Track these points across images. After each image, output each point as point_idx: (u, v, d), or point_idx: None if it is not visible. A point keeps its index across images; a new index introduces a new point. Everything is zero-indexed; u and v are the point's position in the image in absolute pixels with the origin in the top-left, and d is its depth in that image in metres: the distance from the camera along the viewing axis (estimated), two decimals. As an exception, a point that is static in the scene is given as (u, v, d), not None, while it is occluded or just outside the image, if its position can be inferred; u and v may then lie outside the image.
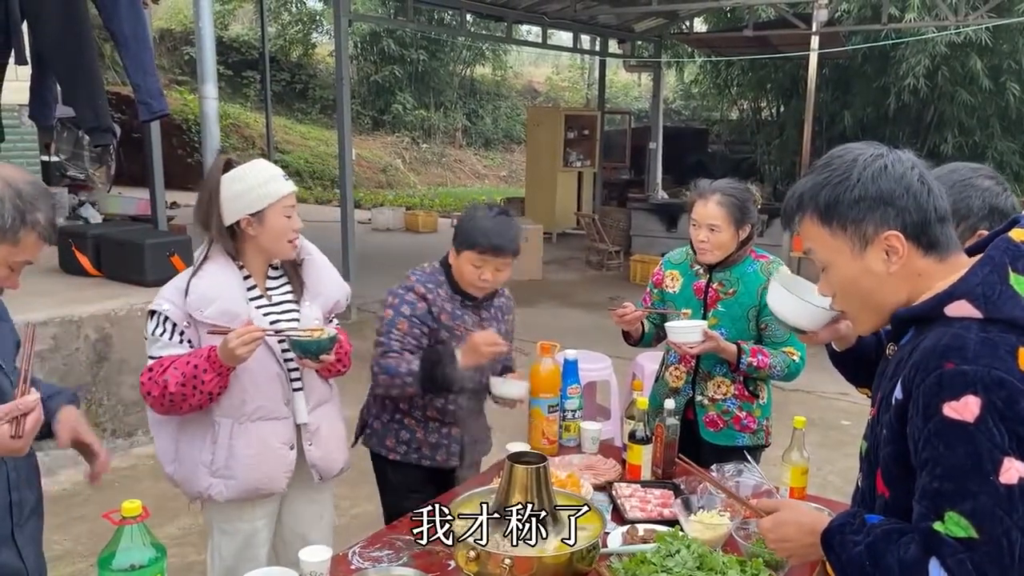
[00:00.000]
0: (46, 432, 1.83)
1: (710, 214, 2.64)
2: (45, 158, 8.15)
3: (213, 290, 2.16)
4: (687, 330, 2.57)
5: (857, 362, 1.81)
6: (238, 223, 2.18)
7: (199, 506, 2.42)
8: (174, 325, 2.17)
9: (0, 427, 1.45)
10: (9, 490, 1.67)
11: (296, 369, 2.31)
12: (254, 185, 2.16)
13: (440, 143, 22.52)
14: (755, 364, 2.61)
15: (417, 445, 2.62)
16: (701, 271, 2.78)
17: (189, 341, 2.18)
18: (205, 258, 2.21)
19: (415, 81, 21.96)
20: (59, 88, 4.22)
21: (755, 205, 2.73)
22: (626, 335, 2.87)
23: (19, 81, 4.75)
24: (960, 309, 1.25)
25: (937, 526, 1.19)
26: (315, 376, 2.37)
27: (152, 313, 2.19)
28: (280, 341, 2.24)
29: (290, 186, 2.22)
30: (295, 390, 2.31)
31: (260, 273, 2.29)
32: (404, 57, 21.34)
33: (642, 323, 2.85)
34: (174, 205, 12.14)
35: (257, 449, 2.25)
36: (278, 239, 2.21)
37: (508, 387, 2.55)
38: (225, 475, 2.24)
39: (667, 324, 2.67)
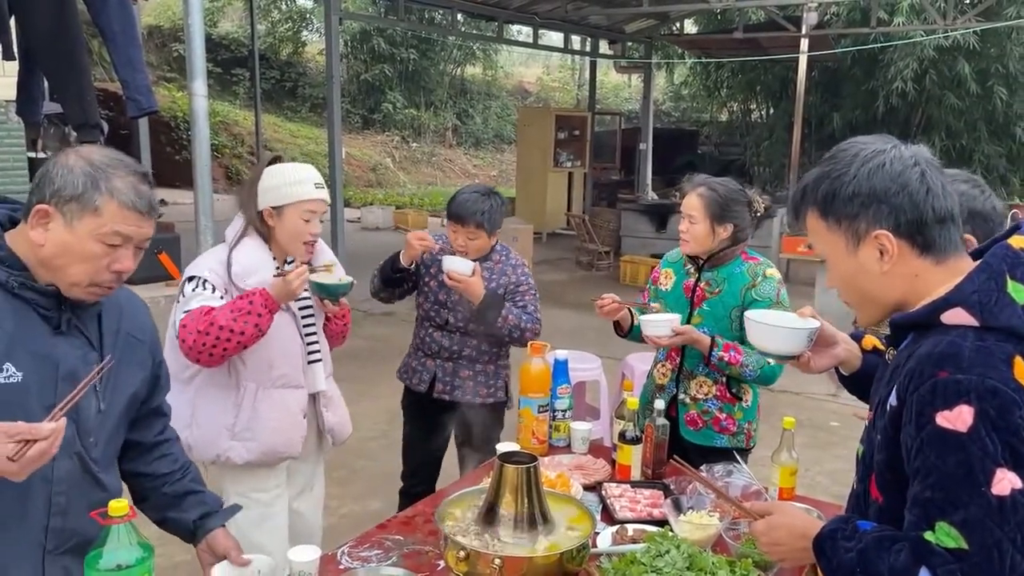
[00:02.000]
0: (187, 536, 1.85)
1: (690, 204, 2.68)
2: (32, 155, 8.09)
3: (253, 263, 2.41)
4: (657, 323, 2.59)
5: (867, 383, 1.79)
6: (263, 211, 2.42)
7: (205, 471, 2.50)
8: (214, 288, 2.36)
9: (4, 444, 1.35)
10: (49, 514, 1.57)
11: (314, 343, 2.57)
12: (283, 183, 2.40)
13: (430, 142, 22.48)
14: (726, 359, 2.60)
15: (406, 368, 3.19)
16: (691, 270, 2.79)
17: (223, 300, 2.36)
18: (243, 235, 2.43)
19: (405, 80, 21.91)
20: (47, 84, 4.19)
21: (751, 210, 2.71)
22: (616, 327, 2.89)
23: (6, 77, 4.71)
24: (956, 317, 1.24)
25: (928, 535, 1.18)
26: (326, 349, 2.65)
27: (191, 279, 2.37)
28: (304, 317, 2.53)
29: (316, 194, 2.42)
30: (311, 362, 2.56)
31: (280, 257, 2.51)
32: (394, 56, 21.29)
33: (631, 315, 2.86)
34: (162, 203, 12.07)
35: (280, 414, 2.45)
36: (293, 238, 2.43)
37: (454, 263, 2.86)
38: (246, 437, 2.42)
39: (641, 317, 2.69)
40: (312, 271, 2.44)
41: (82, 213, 1.50)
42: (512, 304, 2.98)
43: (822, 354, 1.79)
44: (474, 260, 2.95)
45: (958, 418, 1.16)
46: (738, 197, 2.69)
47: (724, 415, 2.75)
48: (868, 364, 1.77)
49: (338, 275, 2.51)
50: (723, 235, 2.67)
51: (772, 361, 2.55)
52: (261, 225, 2.43)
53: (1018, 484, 1.14)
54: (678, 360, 2.79)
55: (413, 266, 3.00)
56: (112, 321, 1.67)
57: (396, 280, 3.03)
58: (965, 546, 1.15)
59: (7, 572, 1.55)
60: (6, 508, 1.52)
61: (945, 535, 1.16)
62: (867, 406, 1.89)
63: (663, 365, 2.84)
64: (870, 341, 1.79)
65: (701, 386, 2.75)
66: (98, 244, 1.52)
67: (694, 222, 2.67)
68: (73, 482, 1.59)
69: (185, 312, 2.32)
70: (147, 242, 1.60)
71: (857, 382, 1.80)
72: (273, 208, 2.40)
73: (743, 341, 2.69)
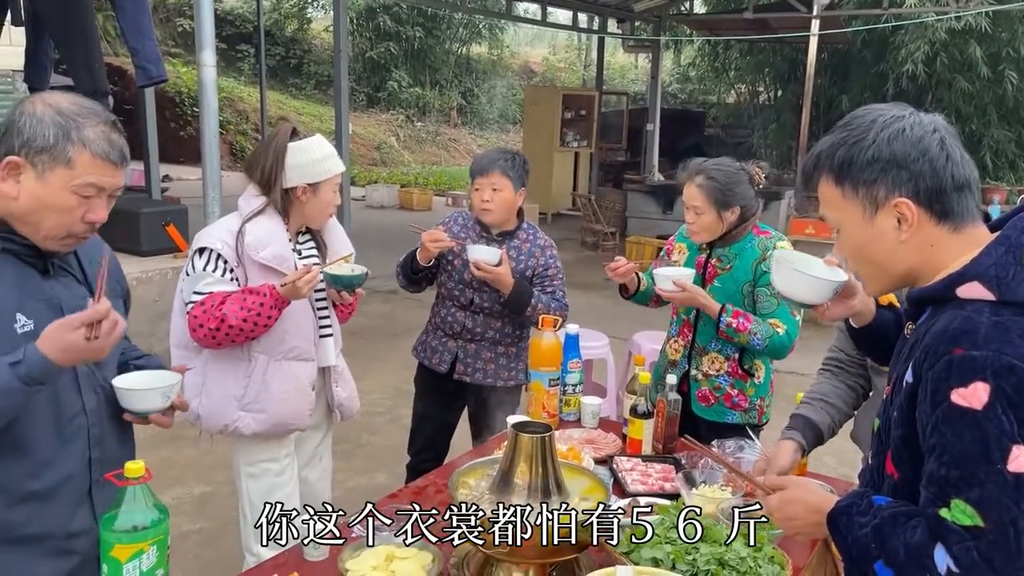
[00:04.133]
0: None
1: (692, 196, 2.65)
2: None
3: (267, 235, 2.38)
4: (663, 276, 2.60)
5: (875, 338, 1.76)
6: (294, 189, 2.39)
7: (211, 441, 2.60)
8: (225, 262, 2.35)
9: (76, 332, 1.43)
10: (90, 446, 1.63)
11: (325, 317, 2.57)
12: (317, 159, 2.40)
13: (435, 122, 22.39)
14: (734, 326, 2.59)
15: (424, 347, 3.13)
16: (703, 246, 2.78)
17: (236, 279, 2.36)
18: (261, 211, 2.40)
19: (411, 58, 21.79)
20: (55, 53, 4.17)
21: (753, 184, 2.69)
22: (622, 289, 2.88)
23: (13, 46, 4.69)
24: (972, 291, 1.21)
25: (943, 513, 1.17)
26: (337, 324, 2.64)
27: (202, 251, 2.36)
28: (315, 291, 2.47)
29: (342, 165, 2.49)
30: (322, 336, 2.56)
31: (294, 232, 2.50)
32: (400, 34, 21.16)
33: (639, 279, 2.85)
34: (167, 178, 12.02)
35: (289, 386, 2.45)
36: (323, 210, 2.47)
37: (480, 252, 2.82)
38: (255, 409, 2.42)
39: (655, 270, 2.70)
40: (326, 265, 2.45)
41: (54, 165, 1.47)
42: (540, 289, 2.95)
43: (838, 304, 1.76)
44: (499, 237, 2.96)
45: (973, 395, 1.14)
46: (739, 178, 2.66)
47: (736, 391, 2.74)
48: (881, 319, 1.75)
49: (351, 266, 2.49)
50: (731, 218, 2.66)
51: (794, 313, 2.60)
52: (284, 202, 2.41)
53: None
54: (690, 336, 2.78)
55: (431, 262, 2.96)
56: (84, 252, 1.68)
57: (419, 278, 3.03)
58: (981, 523, 1.13)
59: (58, 503, 1.59)
60: (50, 446, 1.57)
61: (961, 512, 1.15)
62: (872, 362, 1.89)
63: (675, 341, 2.84)
64: (886, 296, 1.76)
65: (713, 362, 2.75)
66: (72, 196, 1.50)
67: (700, 213, 2.64)
68: (102, 413, 1.66)
69: (195, 294, 2.32)
70: (119, 191, 1.58)
71: (867, 336, 1.78)
72: (309, 185, 2.39)
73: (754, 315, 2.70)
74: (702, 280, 2.73)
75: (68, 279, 1.62)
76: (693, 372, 2.78)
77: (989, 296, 1.20)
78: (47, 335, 1.45)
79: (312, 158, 2.39)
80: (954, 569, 1.14)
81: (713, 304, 2.61)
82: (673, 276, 2.59)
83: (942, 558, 1.15)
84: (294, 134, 2.43)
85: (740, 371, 2.74)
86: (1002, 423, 1.13)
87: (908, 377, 1.26)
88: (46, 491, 1.57)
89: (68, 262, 1.63)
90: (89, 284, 1.66)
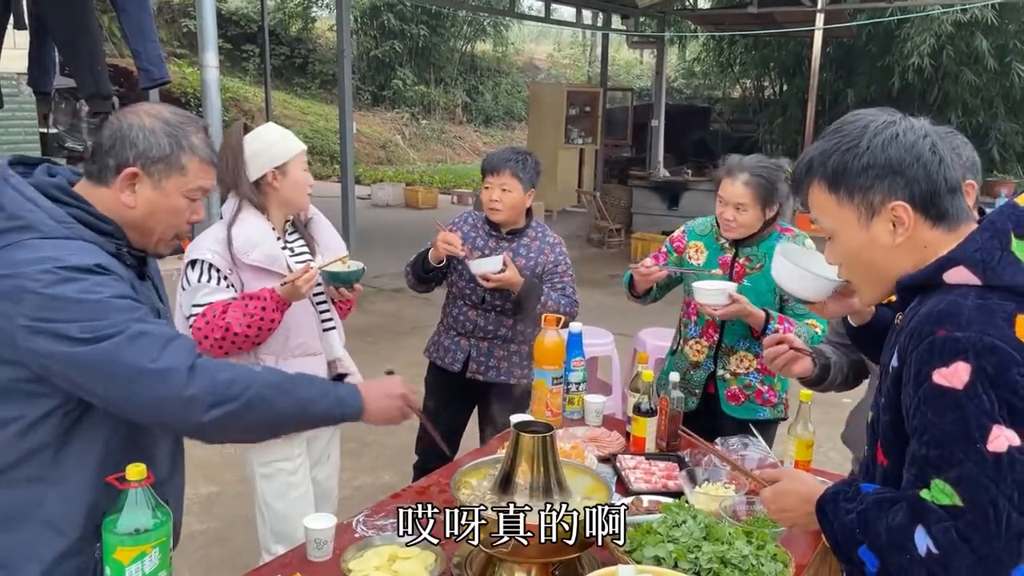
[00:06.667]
0: None
1: (737, 193, 2.64)
2: (43, 130, 8.10)
3: (255, 236, 2.38)
4: (713, 292, 2.57)
5: (874, 338, 1.76)
6: (263, 177, 2.39)
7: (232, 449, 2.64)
8: (218, 271, 2.34)
9: (399, 401, 1.72)
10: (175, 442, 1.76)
11: (327, 311, 2.59)
12: (275, 141, 2.41)
13: (440, 119, 22.39)
14: (782, 332, 2.59)
15: (437, 347, 3.14)
16: (727, 245, 2.78)
17: (231, 286, 2.36)
18: (239, 211, 2.39)
19: (415, 56, 21.79)
20: (58, 55, 4.18)
21: (786, 182, 2.71)
22: (630, 287, 2.89)
23: (17, 49, 4.70)
24: (958, 275, 1.22)
25: (924, 494, 1.18)
26: (339, 319, 2.65)
27: (193, 263, 2.35)
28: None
29: (301, 144, 2.48)
30: (326, 329, 2.57)
31: (280, 227, 2.50)
32: (404, 32, 21.16)
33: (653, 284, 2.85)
34: (173, 179, 12.02)
35: None
36: (299, 191, 2.46)
37: (482, 265, 2.83)
38: None
39: (694, 284, 2.67)
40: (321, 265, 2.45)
41: (169, 172, 1.57)
42: (550, 286, 2.96)
43: (836, 301, 1.77)
44: (509, 235, 2.98)
45: (955, 375, 1.15)
46: (780, 176, 2.68)
47: (766, 387, 2.77)
48: (880, 318, 1.75)
49: (349, 262, 2.51)
50: (769, 216, 2.69)
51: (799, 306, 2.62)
52: (257, 195, 2.41)
53: (1016, 441, 1.12)
54: (716, 337, 2.78)
55: (443, 261, 2.97)
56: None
57: (429, 278, 3.04)
58: (960, 503, 1.14)
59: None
60: (165, 459, 1.74)
61: (940, 492, 1.16)
62: (869, 360, 1.89)
63: (697, 342, 2.82)
64: None
65: (742, 361, 2.76)
66: (183, 200, 1.61)
67: (744, 211, 2.65)
68: None
69: (195, 307, 2.31)
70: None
71: (866, 335, 1.78)
72: (276, 168, 2.39)
73: (783, 312, 2.71)
74: (730, 279, 2.73)
75: (149, 283, 1.71)
76: (720, 372, 2.78)
77: (975, 280, 1.21)
78: (372, 397, 1.73)
79: (269, 142, 2.40)
80: (933, 550, 1.15)
81: (758, 313, 2.60)
82: (722, 289, 2.58)
83: (922, 539, 1.16)
84: (246, 129, 2.44)
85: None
86: (983, 403, 1.13)
87: (894, 362, 1.27)
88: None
89: (149, 266, 1.72)
90: (156, 287, 1.75)
